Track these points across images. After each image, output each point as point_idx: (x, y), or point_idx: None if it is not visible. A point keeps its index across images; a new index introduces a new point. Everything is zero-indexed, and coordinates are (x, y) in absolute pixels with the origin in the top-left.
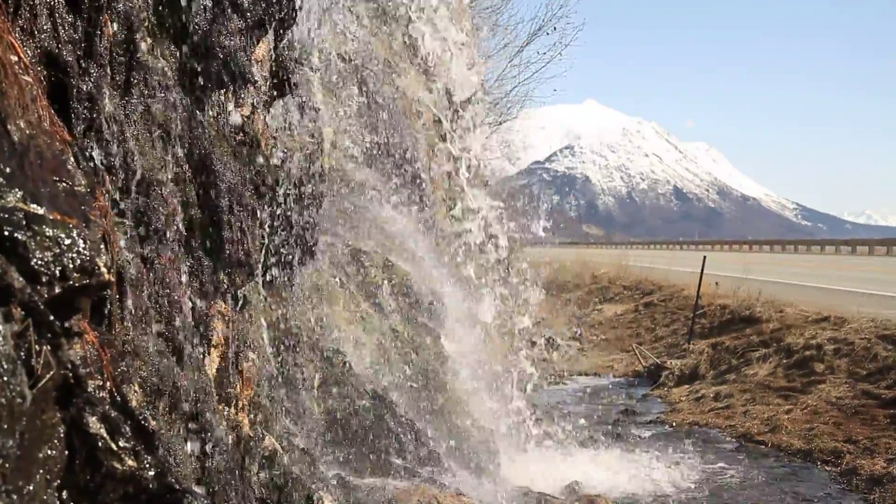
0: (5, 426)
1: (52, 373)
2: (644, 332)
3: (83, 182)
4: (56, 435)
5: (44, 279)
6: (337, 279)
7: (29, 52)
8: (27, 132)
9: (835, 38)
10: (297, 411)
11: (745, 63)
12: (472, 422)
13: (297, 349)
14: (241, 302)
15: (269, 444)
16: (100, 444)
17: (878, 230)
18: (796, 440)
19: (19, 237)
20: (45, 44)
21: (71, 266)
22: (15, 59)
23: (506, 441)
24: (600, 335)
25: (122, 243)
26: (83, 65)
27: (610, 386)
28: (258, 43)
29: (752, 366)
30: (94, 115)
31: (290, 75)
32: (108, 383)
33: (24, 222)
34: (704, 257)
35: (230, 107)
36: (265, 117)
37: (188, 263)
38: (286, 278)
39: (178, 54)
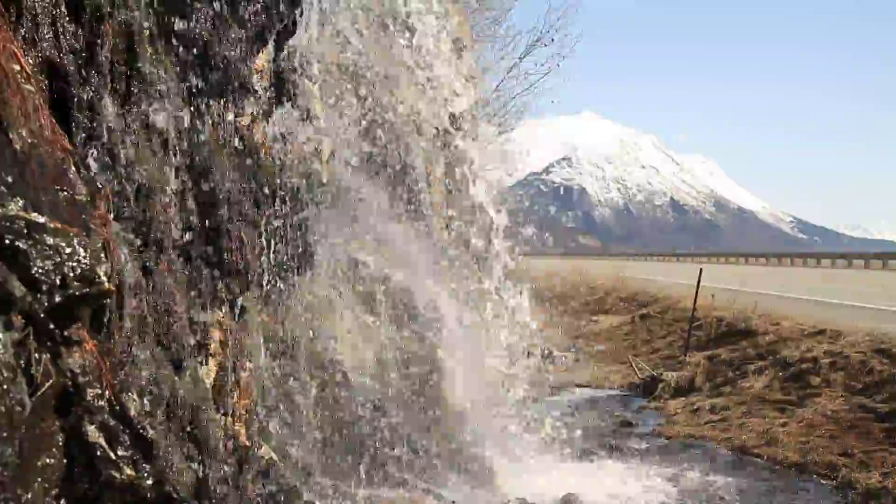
0: (5, 434)
1: (51, 381)
2: (640, 344)
3: (84, 191)
4: (55, 443)
5: (44, 287)
6: (335, 289)
7: (31, 61)
8: (29, 141)
9: (832, 51)
10: (293, 421)
11: (742, 75)
12: (468, 433)
13: (295, 359)
14: (239, 311)
15: (266, 454)
16: (98, 452)
17: (874, 243)
18: (792, 453)
19: (20, 246)
20: (47, 53)
21: (71, 275)
22: (17, 68)
23: (502, 452)
24: (596, 347)
25: (122, 252)
26: (84, 74)
27: (606, 397)
28: (258, 53)
29: (748, 378)
30: (95, 125)
31: (290, 85)
32: (107, 392)
33: (25, 231)
34: (701, 269)
35: (230, 116)
36: (264, 127)
37: (187, 272)
38: (284, 288)
39: (178, 64)
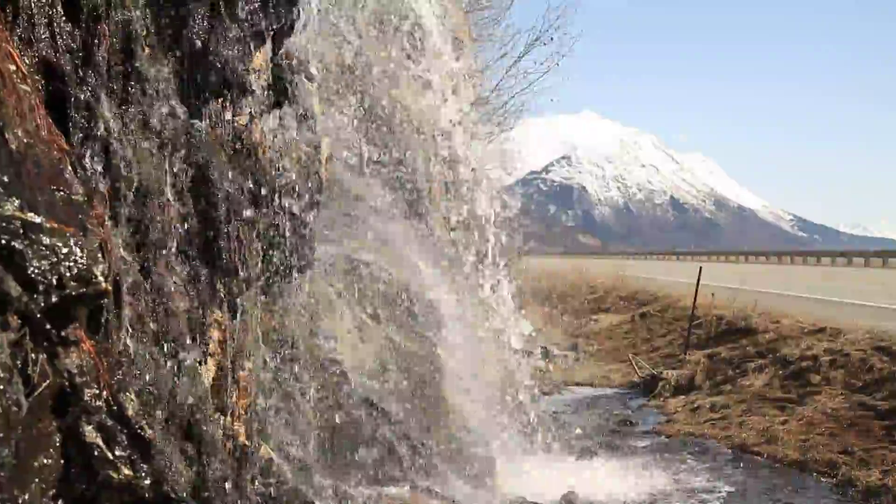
0: (1, 435)
1: (48, 381)
2: (640, 343)
3: (80, 191)
4: (52, 444)
5: (41, 288)
6: (334, 289)
7: (27, 60)
8: (25, 141)
9: (832, 51)
10: (293, 421)
11: (742, 75)
12: (468, 432)
13: (294, 359)
14: (237, 311)
15: (265, 454)
16: (96, 452)
17: (873, 241)
18: (792, 451)
19: (16, 246)
20: (44, 52)
21: (68, 275)
22: (13, 67)
23: (502, 451)
24: (597, 345)
25: (119, 252)
26: (81, 74)
27: (606, 396)
28: (256, 52)
29: (748, 376)
30: (92, 124)
31: (288, 85)
32: (104, 392)
33: (21, 231)
34: (700, 268)
35: (228, 116)
36: (263, 127)
37: (185, 272)
38: (283, 288)
39: (176, 63)
